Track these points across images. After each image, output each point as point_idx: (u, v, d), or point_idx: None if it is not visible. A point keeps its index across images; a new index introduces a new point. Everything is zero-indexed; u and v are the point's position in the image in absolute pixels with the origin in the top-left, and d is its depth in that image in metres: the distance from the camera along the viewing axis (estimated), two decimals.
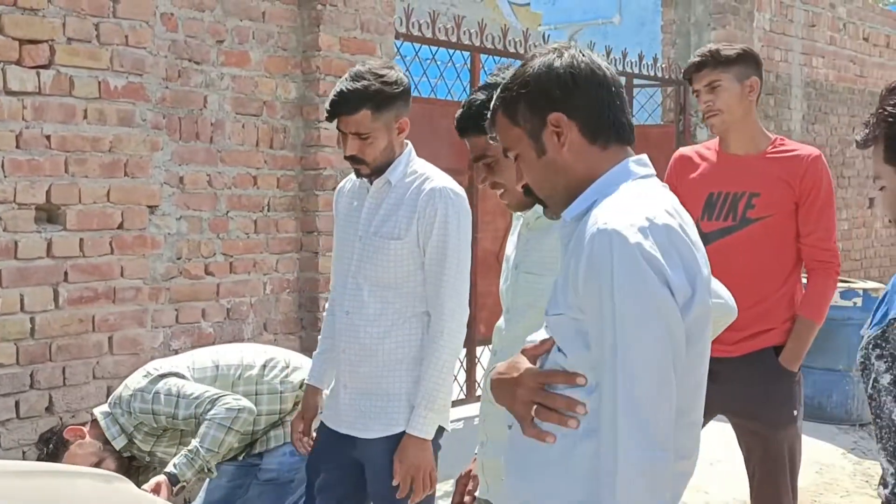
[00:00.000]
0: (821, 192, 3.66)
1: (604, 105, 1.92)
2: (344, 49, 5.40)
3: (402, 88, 3.03)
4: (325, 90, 5.29)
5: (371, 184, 3.10)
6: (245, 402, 3.52)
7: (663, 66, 8.34)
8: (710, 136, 8.39)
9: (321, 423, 3.21)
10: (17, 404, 4.23)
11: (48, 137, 4.28)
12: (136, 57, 4.57)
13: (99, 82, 4.44)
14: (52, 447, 3.72)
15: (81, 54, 4.37)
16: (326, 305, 3.38)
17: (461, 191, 3.07)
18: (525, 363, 1.95)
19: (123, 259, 4.57)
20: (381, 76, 2.99)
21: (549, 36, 7.39)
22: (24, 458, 4.15)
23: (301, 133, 5.36)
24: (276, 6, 5.21)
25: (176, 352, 4.79)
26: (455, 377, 4.29)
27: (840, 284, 7.13)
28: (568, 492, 1.85)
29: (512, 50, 6.91)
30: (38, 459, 3.68)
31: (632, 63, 7.93)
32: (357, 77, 2.99)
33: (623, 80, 8.02)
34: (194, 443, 3.41)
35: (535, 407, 1.89)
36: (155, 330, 4.73)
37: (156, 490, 3.26)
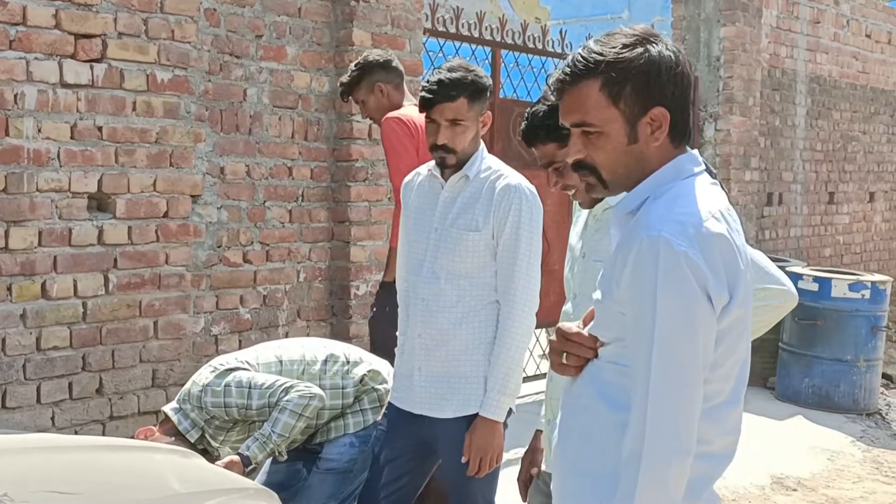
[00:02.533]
0: (385, 148, 4.47)
1: (687, 105, 1.99)
2: (375, 44, 5.55)
3: (489, 83, 3.23)
4: None
5: (444, 178, 3.25)
6: (316, 390, 3.65)
7: None
8: (717, 131, 8.60)
9: (389, 403, 3.36)
10: (70, 386, 4.39)
11: (100, 129, 4.43)
12: (182, 51, 4.72)
13: (147, 75, 4.60)
14: None
15: (131, 48, 4.52)
16: (398, 301, 3.47)
17: (533, 188, 3.25)
18: (565, 325, 2.12)
19: (168, 247, 4.72)
20: (473, 70, 3.19)
21: (565, 32, 7.54)
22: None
23: (334, 126, 5.52)
24: (311, 2, 5.36)
25: (216, 337, 4.96)
26: None
27: (848, 277, 7.33)
28: (603, 460, 1.99)
29: (531, 46, 7.08)
30: None
31: None
32: (452, 69, 3.17)
33: None
34: (267, 427, 3.55)
35: (563, 354, 2.07)
36: (196, 315, 4.89)
37: (229, 467, 3.40)
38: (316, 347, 3.91)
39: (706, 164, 2.09)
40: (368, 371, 3.85)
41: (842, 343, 7.15)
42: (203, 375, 3.74)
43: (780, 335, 7.41)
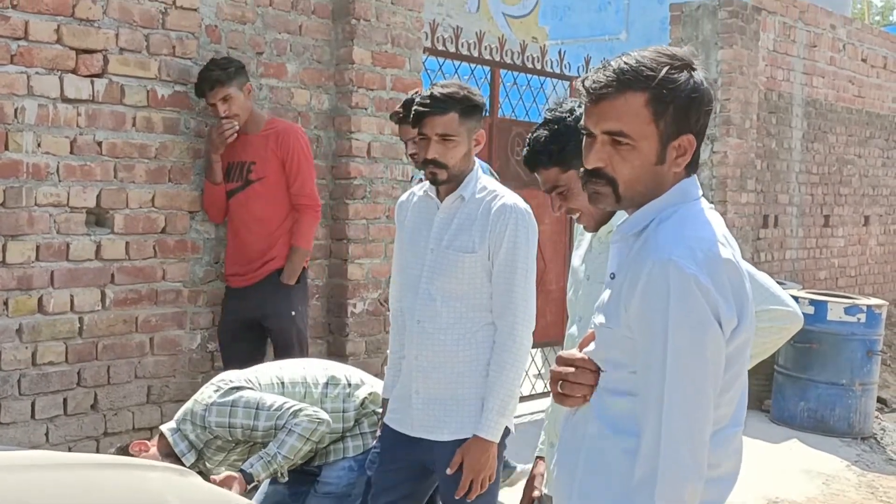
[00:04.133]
0: (298, 156, 4.86)
1: (704, 135, 2.01)
2: (375, 63, 5.56)
3: (483, 101, 3.23)
4: (356, 102, 5.47)
5: (439, 196, 3.25)
6: (323, 415, 3.62)
7: None
8: (714, 153, 8.62)
9: (384, 425, 3.35)
10: (64, 401, 4.37)
11: (100, 144, 4.42)
12: (182, 67, 4.72)
13: (147, 91, 4.59)
14: None
15: (132, 64, 4.52)
16: (390, 321, 3.48)
17: (529, 208, 3.23)
18: (566, 352, 2.12)
19: (166, 262, 4.71)
20: (467, 87, 3.19)
21: (564, 53, 7.56)
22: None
23: (333, 143, 5.52)
24: (312, 20, 5.37)
25: (212, 353, 4.94)
26: None
27: (844, 300, 7.34)
28: (608, 485, 1.99)
29: (530, 66, 7.10)
30: None
31: None
32: (444, 85, 3.18)
33: None
34: (273, 447, 3.51)
35: (559, 382, 2.07)
36: (193, 332, 4.87)
37: (226, 483, 3.37)
38: (317, 369, 3.88)
39: None
40: (369, 394, 3.82)
41: (837, 366, 7.15)
42: (206, 394, 3.70)
43: (775, 358, 7.41)
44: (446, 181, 3.19)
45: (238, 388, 3.66)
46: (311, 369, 3.88)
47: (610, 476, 1.98)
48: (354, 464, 3.70)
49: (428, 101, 3.13)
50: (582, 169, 2.02)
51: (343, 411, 3.75)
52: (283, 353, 4.76)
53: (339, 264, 5.53)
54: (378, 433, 3.45)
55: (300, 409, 3.58)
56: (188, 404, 3.76)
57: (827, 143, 10.38)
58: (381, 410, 3.70)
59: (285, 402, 3.61)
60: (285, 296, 4.86)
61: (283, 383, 3.74)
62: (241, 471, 3.49)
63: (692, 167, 2.02)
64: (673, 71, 1.93)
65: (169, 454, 3.64)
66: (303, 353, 4.85)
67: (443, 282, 3.17)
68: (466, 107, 3.14)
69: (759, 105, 9.07)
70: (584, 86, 1.99)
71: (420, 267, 3.23)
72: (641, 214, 2.01)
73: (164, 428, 3.74)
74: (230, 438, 3.64)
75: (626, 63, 1.95)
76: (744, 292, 1.92)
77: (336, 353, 5.50)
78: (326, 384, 3.79)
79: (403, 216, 3.37)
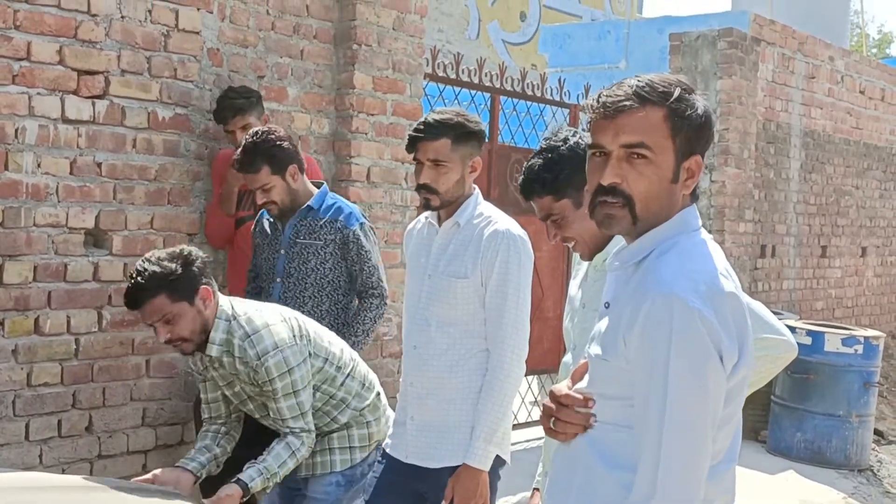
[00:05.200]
0: None
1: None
2: (376, 88, 5.58)
3: (479, 129, 3.23)
4: (356, 127, 5.48)
5: (439, 223, 3.26)
6: (312, 442, 3.50)
7: None
8: (712, 182, 8.63)
9: (384, 451, 3.34)
10: (59, 423, 4.34)
11: (99, 165, 4.43)
12: (184, 90, 4.73)
13: (148, 113, 4.60)
14: (182, 266, 3.34)
15: (133, 86, 4.53)
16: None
17: (524, 234, 3.23)
18: (556, 387, 2.10)
19: None
20: (463, 114, 3.21)
21: (564, 80, 7.59)
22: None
23: (332, 167, 5.52)
24: (313, 45, 5.39)
25: None
26: None
27: (841, 331, 7.33)
28: None
29: (530, 93, 7.13)
30: (165, 273, 3.30)
31: None
32: (440, 112, 3.21)
33: None
34: (273, 464, 3.40)
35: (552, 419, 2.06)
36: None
37: (228, 499, 3.29)
38: (348, 353, 3.70)
39: None
40: (371, 401, 3.69)
41: (834, 398, 7.14)
42: (283, 333, 3.43)
43: (772, 388, 7.40)
44: (439, 206, 3.21)
45: (304, 360, 3.45)
46: (347, 351, 3.69)
47: (603, 498, 1.96)
48: (342, 479, 3.60)
49: (421, 127, 3.17)
50: (593, 189, 1.99)
51: (346, 405, 3.61)
52: None
53: None
54: (371, 456, 3.43)
55: (308, 433, 3.46)
56: (252, 315, 3.46)
57: (825, 173, 10.41)
58: (373, 424, 3.66)
59: (308, 411, 3.45)
60: None
61: (327, 358, 3.56)
62: (238, 480, 3.37)
63: (694, 196, 2.02)
64: (685, 92, 1.97)
65: (204, 331, 3.41)
66: None
67: (437, 307, 3.18)
68: (460, 133, 3.16)
69: (757, 135, 9.10)
70: (598, 102, 1.97)
71: (418, 292, 3.25)
72: (643, 243, 1.99)
73: (226, 306, 3.46)
74: (248, 381, 3.44)
75: (641, 81, 1.97)
76: (745, 326, 1.91)
77: None
78: (349, 374, 3.62)
79: (409, 243, 3.40)
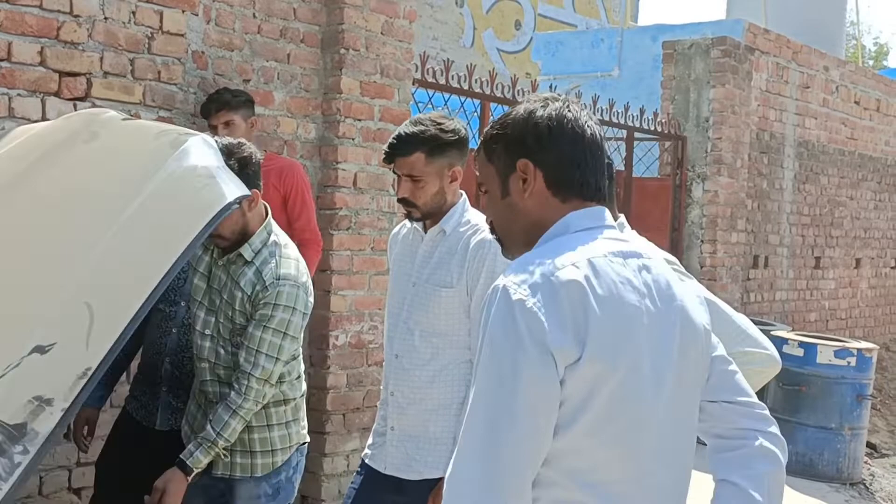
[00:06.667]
0: (301, 192, 4.91)
1: (574, 162, 1.92)
2: (364, 93, 5.52)
3: (457, 138, 3.11)
4: (343, 132, 5.41)
5: (424, 230, 3.19)
6: (260, 396, 3.22)
7: (662, 121, 8.53)
8: (705, 192, 8.58)
9: (363, 461, 3.27)
10: None
11: None
12: (167, 92, 4.67)
13: (131, 115, 4.52)
14: (238, 167, 3.18)
15: (116, 88, 4.47)
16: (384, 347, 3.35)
17: None
18: None
19: None
20: (439, 124, 3.10)
21: (555, 87, 7.53)
22: None
23: (319, 173, 5.46)
24: (300, 49, 5.33)
25: None
26: None
27: (834, 343, 7.27)
28: None
29: (521, 99, 7.06)
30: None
31: (633, 117, 8.12)
32: (416, 122, 3.11)
33: (624, 133, 8.25)
34: (210, 430, 3.17)
35: None
36: None
37: (171, 483, 3.11)
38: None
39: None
40: (298, 401, 3.46)
41: (826, 410, 7.08)
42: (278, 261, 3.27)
43: (763, 400, 7.30)
44: (421, 218, 3.15)
45: (306, 313, 3.28)
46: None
47: None
48: (269, 488, 3.36)
49: (395, 142, 3.09)
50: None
51: (291, 385, 3.39)
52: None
53: (322, 295, 5.45)
54: (294, 458, 3.39)
55: (262, 384, 3.20)
56: (293, 251, 3.35)
57: (819, 184, 10.37)
58: (294, 423, 3.45)
59: (281, 361, 3.23)
60: None
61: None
62: (178, 461, 3.16)
63: (577, 195, 1.93)
64: (503, 115, 2.03)
65: (242, 232, 3.27)
66: None
67: (420, 316, 3.11)
68: (434, 146, 3.06)
69: (750, 145, 9.07)
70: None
71: (402, 300, 3.18)
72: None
73: (271, 220, 3.34)
74: (244, 298, 3.24)
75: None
76: (589, 318, 1.74)
77: (316, 385, 5.41)
78: (294, 356, 3.41)
79: (393, 249, 3.33)
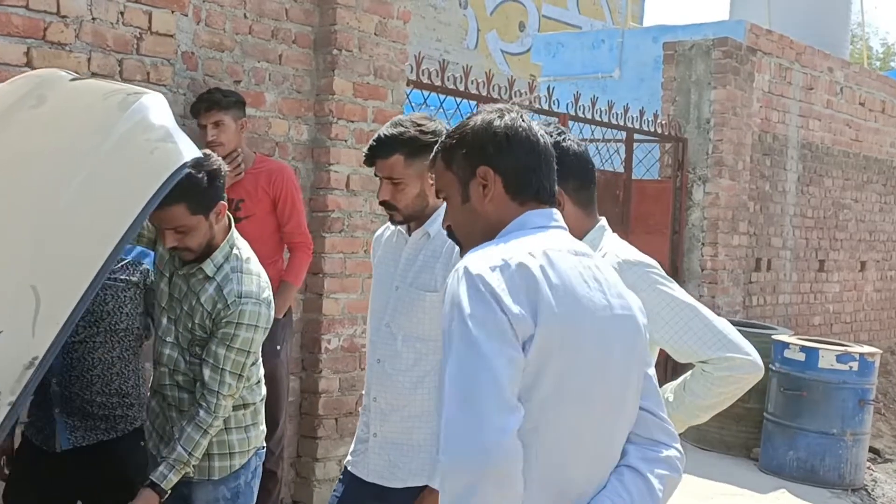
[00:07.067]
0: (292, 195, 4.86)
1: (530, 168, 2.06)
2: (357, 94, 5.45)
3: (437, 139, 3.04)
4: (336, 133, 5.36)
5: (408, 233, 3.13)
6: (226, 412, 3.22)
7: (662, 122, 8.45)
8: (706, 194, 8.50)
9: (345, 468, 3.20)
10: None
11: None
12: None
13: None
14: (207, 180, 3.16)
15: None
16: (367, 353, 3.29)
17: None
18: None
19: None
20: (420, 125, 3.03)
21: (553, 88, 7.47)
22: None
23: (311, 175, 5.40)
24: (292, 49, 5.27)
25: None
26: None
27: (836, 347, 7.19)
28: None
29: (517, 100, 6.99)
30: (190, 184, 3.07)
31: (633, 118, 8.05)
32: (396, 124, 3.05)
33: (624, 134, 8.18)
34: (181, 451, 3.15)
35: None
36: None
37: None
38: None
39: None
40: (257, 405, 3.44)
41: (828, 415, 6.99)
42: (251, 285, 3.26)
43: (765, 405, 7.25)
44: (403, 221, 3.10)
45: (268, 328, 3.28)
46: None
47: None
48: (228, 492, 3.33)
49: (374, 144, 3.04)
50: None
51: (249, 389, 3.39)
52: (269, 385, 4.57)
53: (315, 299, 5.40)
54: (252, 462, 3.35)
55: (225, 400, 3.20)
56: (256, 265, 3.33)
57: (823, 186, 10.28)
58: (263, 428, 3.44)
59: (244, 376, 3.25)
60: (271, 331, 4.66)
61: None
62: (150, 483, 3.11)
63: (534, 199, 2.06)
64: (461, 123, 2.13)
65: (208, 245, 3.23)
66: (287, 387, 4.67)
67: (404, 320, 3.04)
68: (414, 148, 2.99)
69: (753, 147, 8.98)
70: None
71: (384, 304, 3.11)
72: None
73: (234, 232, 3.31)
74: (204, 313, 3.24)
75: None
76: (540, 297, 1.88)
77: (309, 389, 5.36)
78: (255, 363, 3.39)
79: (377, 251, 3.27)
